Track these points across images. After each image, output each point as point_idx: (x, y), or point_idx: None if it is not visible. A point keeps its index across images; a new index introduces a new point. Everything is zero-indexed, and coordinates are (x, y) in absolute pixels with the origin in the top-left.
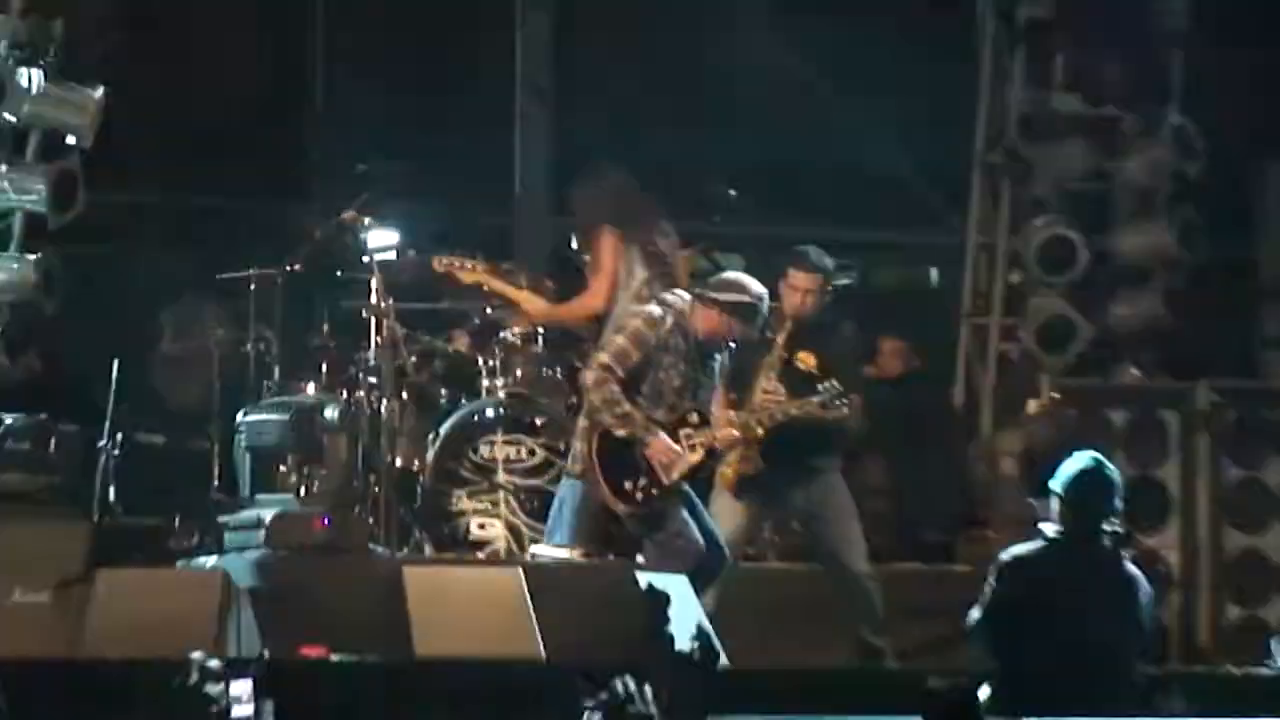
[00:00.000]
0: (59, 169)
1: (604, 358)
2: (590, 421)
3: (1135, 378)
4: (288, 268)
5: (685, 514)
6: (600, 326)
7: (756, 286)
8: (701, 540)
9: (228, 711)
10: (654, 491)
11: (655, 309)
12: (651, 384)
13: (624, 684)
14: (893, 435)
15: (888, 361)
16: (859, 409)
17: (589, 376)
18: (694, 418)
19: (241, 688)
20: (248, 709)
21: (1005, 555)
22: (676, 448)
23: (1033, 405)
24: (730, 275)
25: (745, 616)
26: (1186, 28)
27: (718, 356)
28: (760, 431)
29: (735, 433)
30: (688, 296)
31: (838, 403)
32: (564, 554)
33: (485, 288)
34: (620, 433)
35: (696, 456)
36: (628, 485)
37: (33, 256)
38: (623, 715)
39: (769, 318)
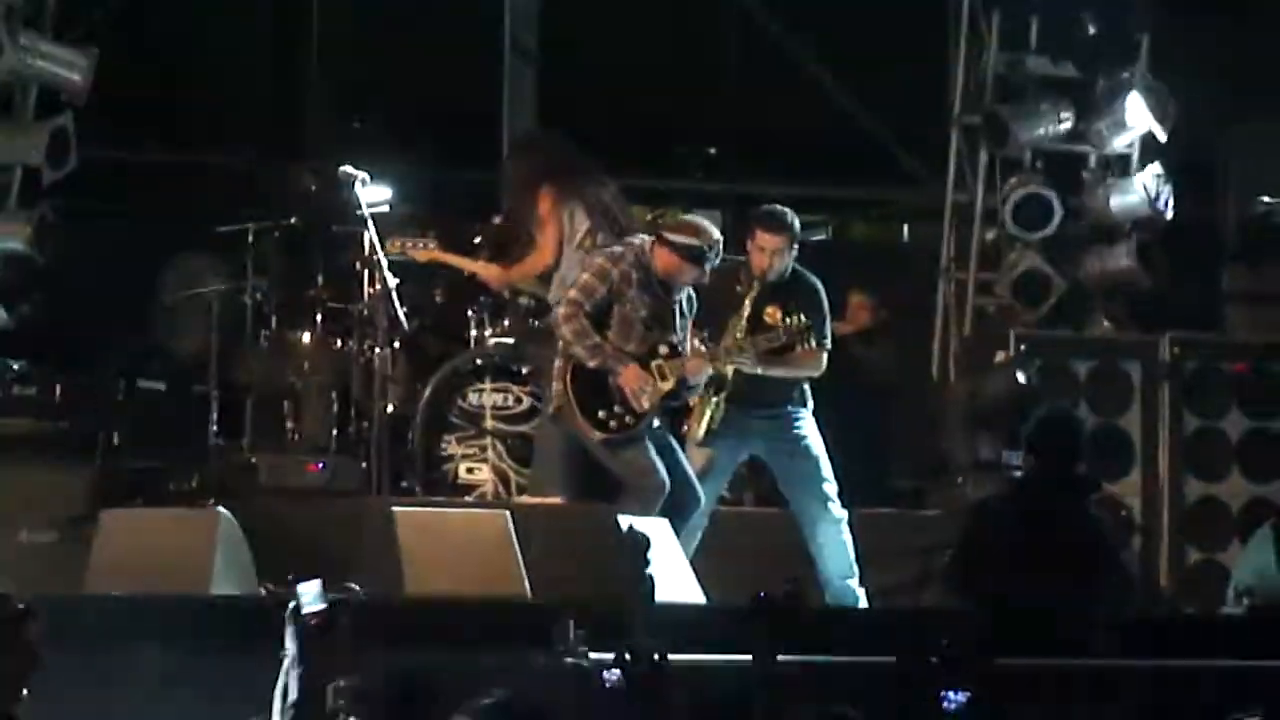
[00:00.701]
0: (53, 126)
1: (572, 293)
2: (563, 358)
3: (1106, 330)
4: (284, 221)
5: (654, 453)
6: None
7: (709, 233)
8: (667, 480)
9: (299, 611)
10: (628, 420)
11: (616, 247)
12: (619, 317)
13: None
14: (863, 386)
15: (856, 315)
16: (823, 360)
17: (559, 312)
18: (663, 349)
19: (310, 588)
20: (318, 605)
21: (977, 500)
22: (647, 375)
23: (1000, 356)
24: (688, 218)
25: (721, 559)
26: None
27: (683, 293)
28: (728, 370)
29: (705, 363)
30: (648, 237)
31: (802, 336)
32: (546, 501)
33: (442, 264)
34: (592, 364)
35: (668, 384)
36: (602, 414)
37: (27, 211)
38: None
39: (727, 267)
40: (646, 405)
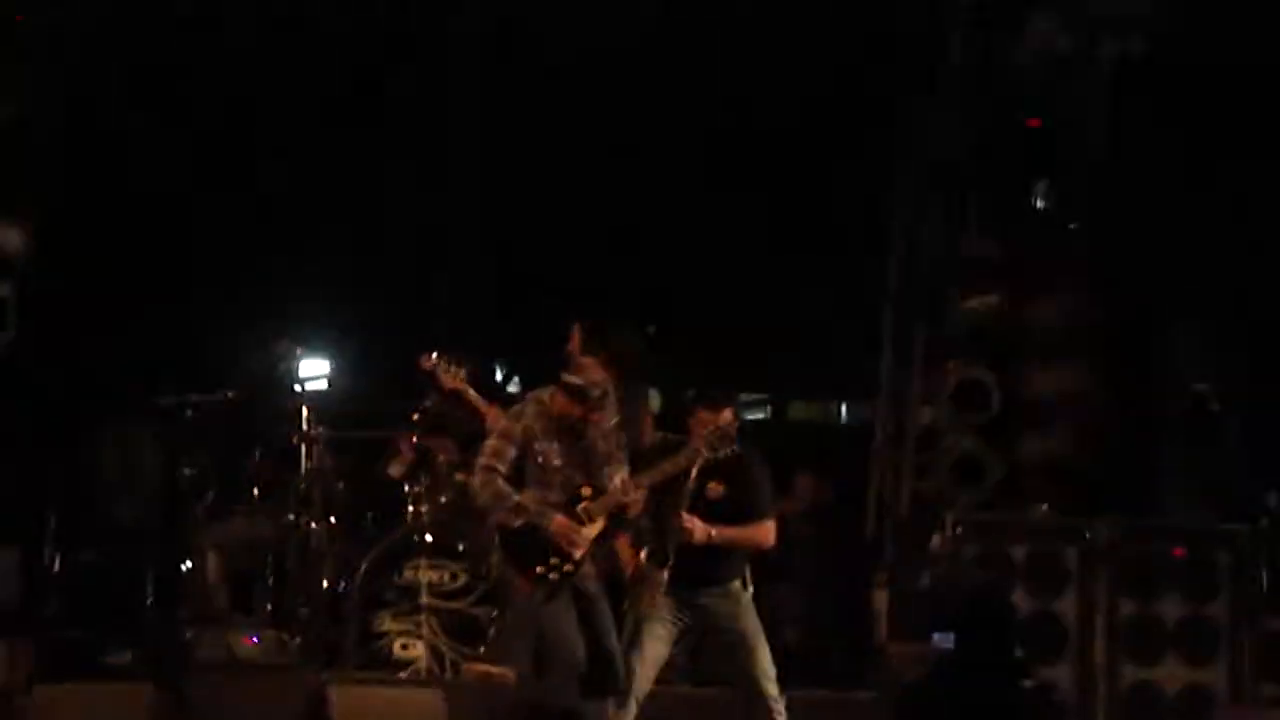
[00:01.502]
0: None
1: (483, 460)
2: (492, 525)
3: (1043, 513)
4: (223, 394)
5: (574, 624)
6: None
7: (593, 373)
8: (583, 656)
9: None
10: (566, 568)
11: (517, 405)
12: (534, 471)
13: None
14: (805, 565)
15: (802, 494)
16: (771, 530)
17: (475, 481)
18: (586, 490)
19: None
20: None
21: (904, 683)
22: (574, 525)
23: (936, 540)
24: (577, 360)
25: None
26: (1098, 177)
27: (598, 433)
28: (671, 546)
29: (636, 488)
30: (550, 388)
31: (721, 444)
32: (495, 670)
33: (462, 395)
34: (517, 523)
35: (596, 528)
36: (540, 569)
37: None
38: None
39: (671, 444)
40: (579, 553)
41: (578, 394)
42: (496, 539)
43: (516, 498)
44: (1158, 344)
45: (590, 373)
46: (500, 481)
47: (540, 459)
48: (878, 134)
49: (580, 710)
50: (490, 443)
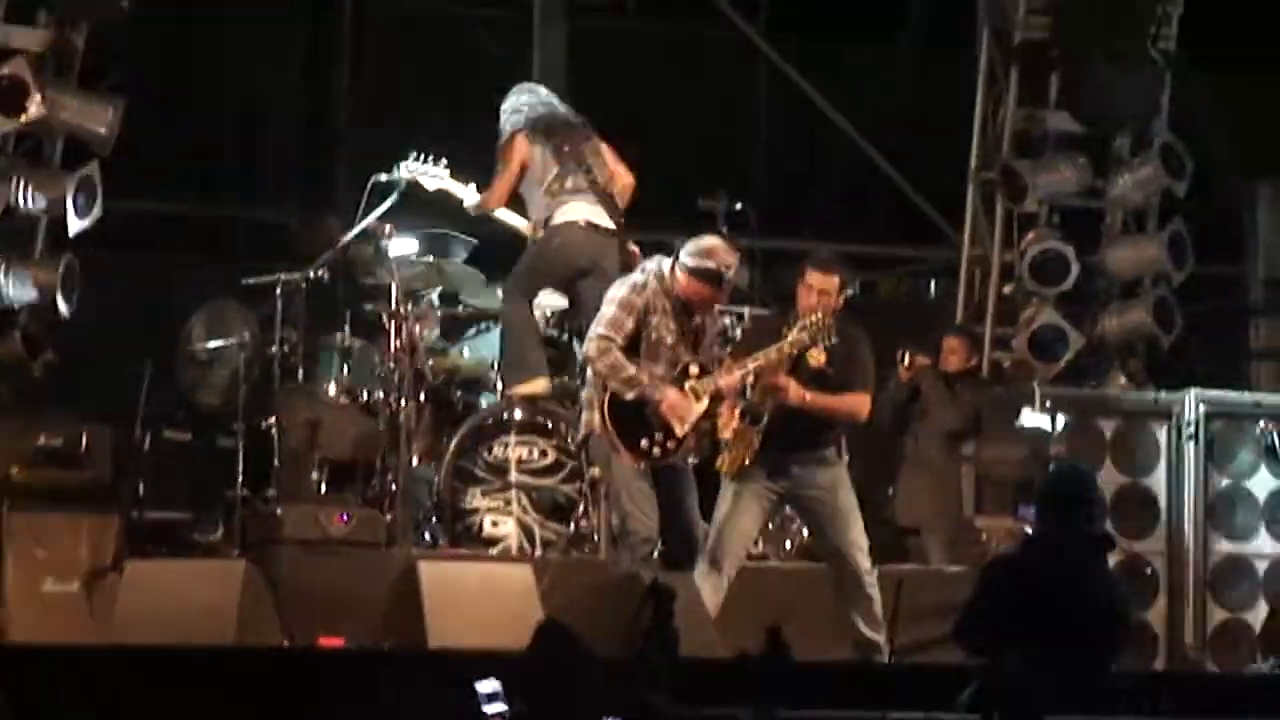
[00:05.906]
0: (79, 176)
1: (600, 329)
2: (599, 390)
3: (1124, 387)
4: (312, 274)
5: (649, 500)
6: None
7: (724, 255)
8: (656, 528)
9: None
10: (669, 444)
11: (637, 276)
12: (646, 343)
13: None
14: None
15: (947, 358)
16: (867, 403)
17: (591, 348)
18: (694, 369)
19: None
20: (499, 706)
21: (991, 558)
22: (686, 398)
23: (1026, 412)
24: (705, 241)
25: (748, 614)
26: (1176, 50)
27: (708, 313)
28: (767, 407)
29: (737, 375)
30: (667, 261)
31: (822, 335)
32: None
33: (446, 191)
34: (630, 396)
35: (702, 404)
36: (644, 443)
37: (53, 260)
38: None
39: (773, 317)
40: (685, 429)
41: (711, 278)
42: (604, 405)
43: (631, 370)
44: (1243, 219)
45: (723, 256)
46: (617, 352)
47: (654, 335)
48: (959, 10)
49: (656, 584)
50: (610, 312)
